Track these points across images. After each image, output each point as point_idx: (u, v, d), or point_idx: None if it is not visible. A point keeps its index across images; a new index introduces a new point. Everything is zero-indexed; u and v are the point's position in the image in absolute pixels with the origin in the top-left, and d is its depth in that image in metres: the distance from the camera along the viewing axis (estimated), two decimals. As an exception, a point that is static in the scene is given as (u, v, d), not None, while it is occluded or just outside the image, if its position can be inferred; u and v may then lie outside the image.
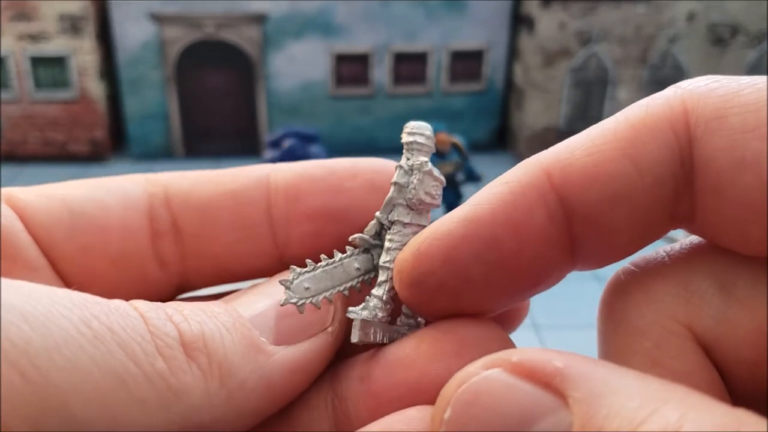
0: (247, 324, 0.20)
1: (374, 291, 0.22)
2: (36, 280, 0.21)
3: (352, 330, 0.22)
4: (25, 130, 2.12)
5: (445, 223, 0.20)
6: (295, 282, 0.22)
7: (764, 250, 0.18)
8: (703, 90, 0.19)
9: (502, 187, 0.20)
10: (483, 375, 0.17)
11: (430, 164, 0.23)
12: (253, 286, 0.22)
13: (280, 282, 0.22)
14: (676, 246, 0.20)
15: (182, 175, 0.24)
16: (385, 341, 0.22)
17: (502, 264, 0.20)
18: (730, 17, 2.01)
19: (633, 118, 0.19)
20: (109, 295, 0.23)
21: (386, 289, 0.22)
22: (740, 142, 0.18)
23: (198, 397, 0.18)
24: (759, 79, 0.18)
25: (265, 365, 0.20)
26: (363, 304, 0.22)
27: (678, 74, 2.07)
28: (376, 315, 0.22)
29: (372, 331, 0.22)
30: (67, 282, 0.22)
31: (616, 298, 0.21)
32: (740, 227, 0.18)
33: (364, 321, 0.22)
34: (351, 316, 0.22)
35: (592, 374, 0.16)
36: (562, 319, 0.98)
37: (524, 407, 0.16)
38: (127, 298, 0.23)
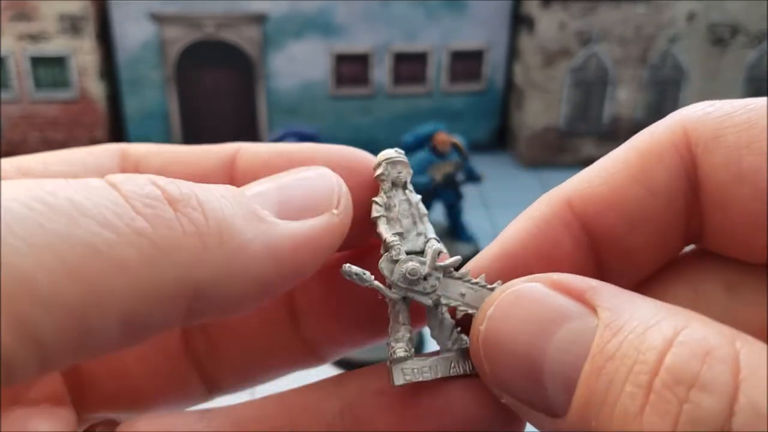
0: (247, 196, 0.19)
1: (402, 330, 0.22)
2: None
3: (392, 373, 0.21)
4: (25, 130, 2.12)
5: (480, 261, 0.22)
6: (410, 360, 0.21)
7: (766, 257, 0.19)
8: (700, 114, 0.20)
9: (527, 221, 0.21)
10: (526, 285, 0.19)
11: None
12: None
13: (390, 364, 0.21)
14: (687, 250, 0.22)
15: (156, 151, 0.24)
16: (433, 377, 0.21)
17: None
18: (730, 17, 2.00)
19: (639, 146, 0.21)
20: None
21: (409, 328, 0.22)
22: (736, 158, 0.19)
23: (191, 253, 0.17)
24: (750, 101, 0.20)
25: (269, 232, 0.19)
26: (393, 343, 0.22)
27: (678, 74, 2.07)
28: (410, 351, 0.22)
29: (412, 368, 0.21)
30: None
31: None
32: (743, 238, 0.19)
33: (399, 360, 0.21)
34: (393, 358, 0.21)
35: (619, 293, 0.18)
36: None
37: (558, 311, 0.18)
38: None
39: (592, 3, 1.99)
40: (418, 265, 0.21)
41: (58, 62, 2.05)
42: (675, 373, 0.16)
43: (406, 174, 0.23)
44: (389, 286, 0.22)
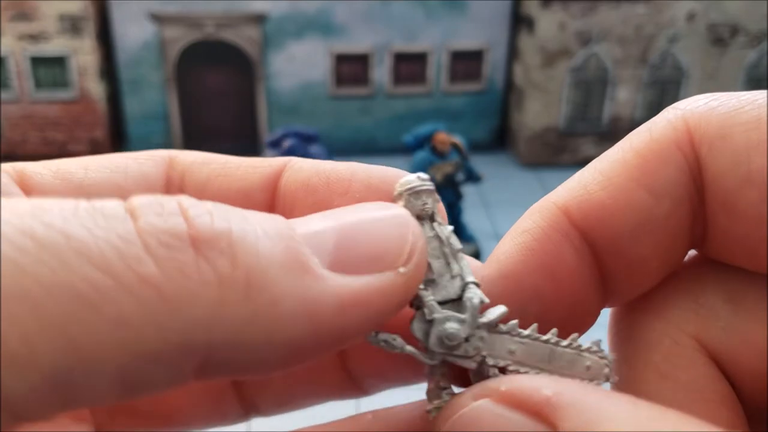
0: (297, 237, 0.16)
1: (443, 396, 0.19)
2: None
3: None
4: (25, 130, 2.12)
5: (483, 286, 0.19)
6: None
7: None
8: (704, 109, 0.18)
9: (524, 235, 0.19)
10: (472, 406, 0.17)
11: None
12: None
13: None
14: (685, 259, 0.20)
15: (203, 161, 0.22)
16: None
17: (545, 314, 0.19)
18: (730, 17, 2.00)
19: (639, 146, 0.19)
20: None
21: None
22: (745, 160, 0.17)
23: (206, 308, 0.14)
24: (759, 95, 0.18)
25: (311, 288, 0.15)
26: (432, 411, 0.19)
27: (678, 74, 2.07)
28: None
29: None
30: None
31: (626, 311, 0.21)
32: (749, 244, 0.18)
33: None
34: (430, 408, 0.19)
35: (582, 403, 0.15)
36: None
37: None
38: None
39: (592, 3, 1.99)
40: (457, 327, 0.18)
41: (58, 62, 2.05)
42: None
43: (433, 204, 0.19)
44: (425, 349, 0.19)
